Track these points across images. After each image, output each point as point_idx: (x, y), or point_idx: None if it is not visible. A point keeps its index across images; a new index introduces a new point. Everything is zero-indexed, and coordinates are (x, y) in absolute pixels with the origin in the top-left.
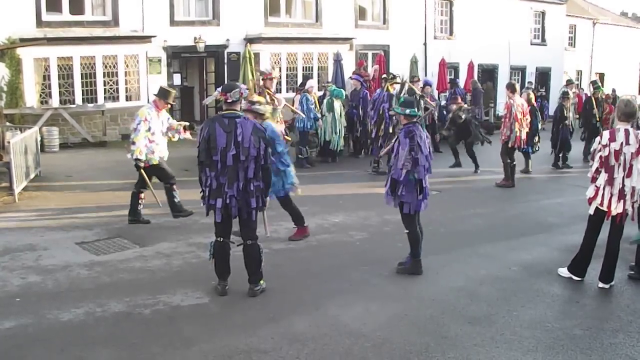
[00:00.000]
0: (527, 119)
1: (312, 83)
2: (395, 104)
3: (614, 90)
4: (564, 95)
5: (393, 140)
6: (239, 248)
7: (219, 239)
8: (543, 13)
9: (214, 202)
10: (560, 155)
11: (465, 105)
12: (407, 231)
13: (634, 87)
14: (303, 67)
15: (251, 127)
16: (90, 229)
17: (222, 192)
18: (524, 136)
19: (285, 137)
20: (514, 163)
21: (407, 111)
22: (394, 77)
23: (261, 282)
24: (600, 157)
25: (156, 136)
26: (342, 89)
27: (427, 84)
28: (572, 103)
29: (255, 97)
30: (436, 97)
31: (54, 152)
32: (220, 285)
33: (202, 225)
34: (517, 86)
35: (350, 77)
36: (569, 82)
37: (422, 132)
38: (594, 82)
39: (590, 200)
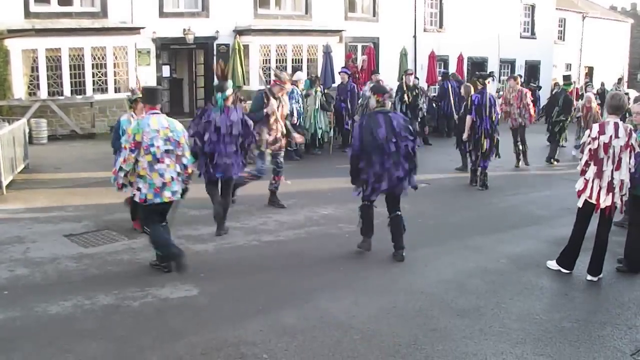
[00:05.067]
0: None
1: (300, 75)
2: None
3: (602, 84)
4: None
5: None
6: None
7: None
8: (533, 6)
9: None
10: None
11: None
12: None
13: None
14: (292, 60)
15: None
16: (79, 221)
17: None
18: None
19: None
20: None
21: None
22: (490, 75)
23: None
24: (590, 150)
25: None
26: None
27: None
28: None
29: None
30: (425, 90)
31: (42, 144)
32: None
33: (191, 218)
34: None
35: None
36: (588, 84)
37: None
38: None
39: (580, 193)
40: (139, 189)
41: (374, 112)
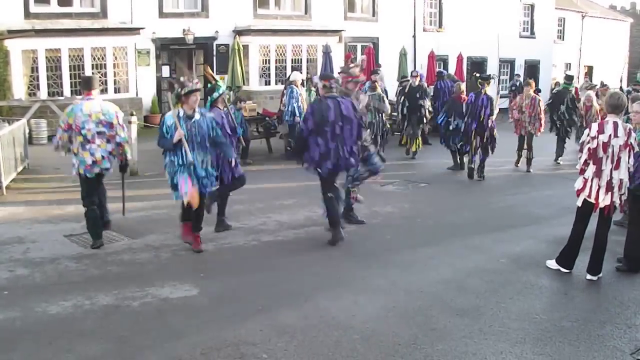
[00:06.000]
0: None
1: (298, 75)
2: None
3: (602, 83)
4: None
5: None
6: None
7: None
8: (532, 6)
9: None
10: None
11: None
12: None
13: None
14: (292, 60)
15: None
16: (79, 221)
17: None
18: None
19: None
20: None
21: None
22: (490, 77)
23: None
24: (589, 149)
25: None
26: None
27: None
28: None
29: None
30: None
31: (42, 145)
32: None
33: None
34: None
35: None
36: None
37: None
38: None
39: (579, 192)
40: (73, 165)
41: (324, 96)
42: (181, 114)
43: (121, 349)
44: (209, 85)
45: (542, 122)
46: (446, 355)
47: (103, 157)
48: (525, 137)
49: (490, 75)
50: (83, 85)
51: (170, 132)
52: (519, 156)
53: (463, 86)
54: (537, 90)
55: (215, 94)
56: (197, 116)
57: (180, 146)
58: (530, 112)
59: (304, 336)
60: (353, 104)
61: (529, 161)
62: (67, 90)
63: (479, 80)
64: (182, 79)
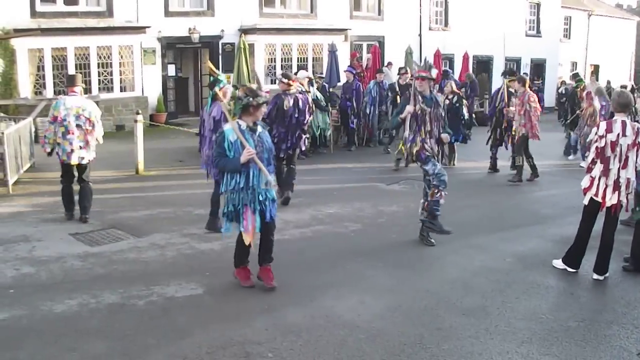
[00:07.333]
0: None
1: (304, 74)
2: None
3: (608, 82)
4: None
5: None
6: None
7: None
8: (538, 4)
9: None
10: None
11: None
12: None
13: (628, 79)
14: (298, 58)
15: None
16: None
17: None
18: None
19: None
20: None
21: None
22: (513, 72)
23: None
24: (597, 147)
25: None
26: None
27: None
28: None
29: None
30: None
31: None
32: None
33: (196, 217)
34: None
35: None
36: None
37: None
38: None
39: (585, 191)
40: (57, 153)
41: (283, 92)
42: (243, 127)
43: (126, 347)
44: (210, 78)
45: (534, 124)
46: (452, 354)
47: (80, 147)
48: (520, 141)
49: (506, 70)
50: (67, 82)
51: (234, 149)
52: (532, 167)
53: (454, 86)
54: (537, 90)
55: (217, 88)
56: (259, 129)
57: (250, 167)
58: (519, 109)
59: (310, 335)
60: (305, 100)
61: (518, 168)
62: None
63: (508, 77)
64: (254, 86)
